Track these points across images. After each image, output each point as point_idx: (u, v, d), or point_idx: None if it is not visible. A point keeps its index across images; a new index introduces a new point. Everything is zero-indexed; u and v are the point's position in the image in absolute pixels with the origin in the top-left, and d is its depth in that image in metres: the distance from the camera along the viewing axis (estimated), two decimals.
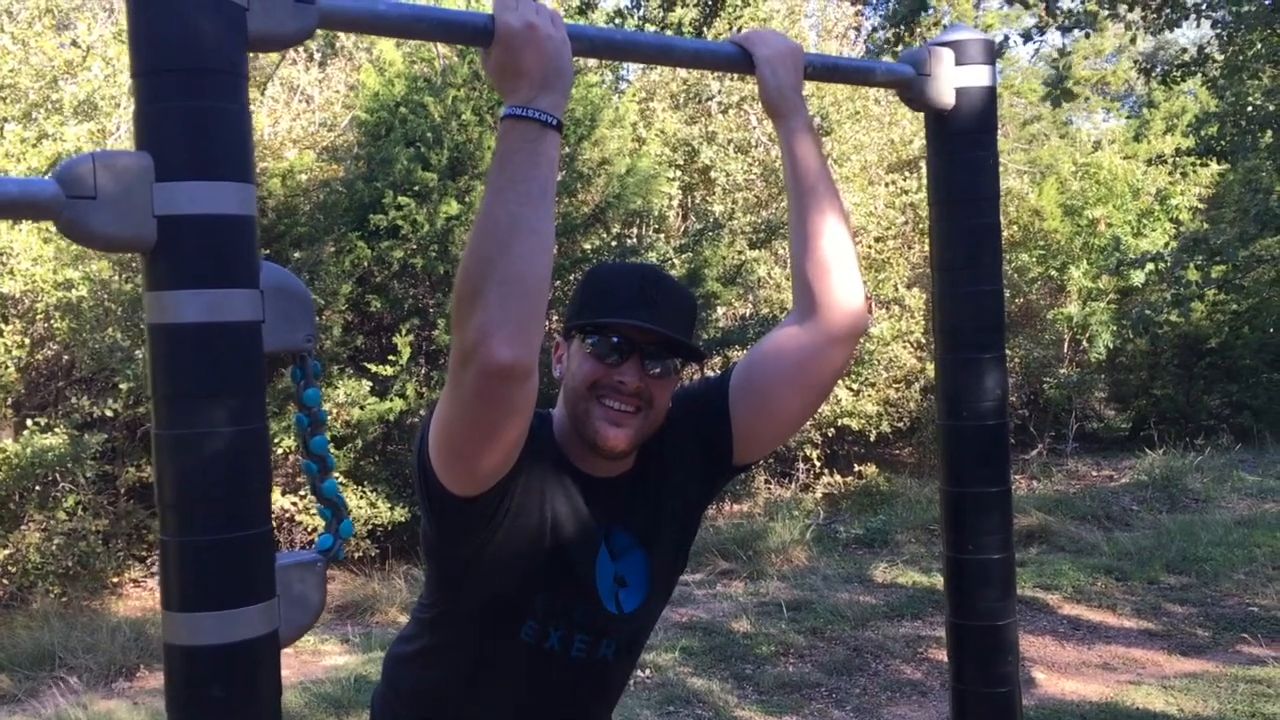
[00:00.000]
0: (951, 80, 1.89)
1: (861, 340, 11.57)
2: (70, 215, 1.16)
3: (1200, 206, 15.02)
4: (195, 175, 1.19)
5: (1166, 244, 12.38)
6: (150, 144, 1.20)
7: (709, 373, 4.75)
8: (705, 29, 7.96)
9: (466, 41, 1.54)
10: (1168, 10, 7.08)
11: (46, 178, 1.18)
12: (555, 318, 8.53)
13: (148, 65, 1.20)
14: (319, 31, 1.51)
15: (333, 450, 6.79)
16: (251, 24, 1.25)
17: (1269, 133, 7.42)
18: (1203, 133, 7.74)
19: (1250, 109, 7.49)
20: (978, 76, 1.90)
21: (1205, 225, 10.98)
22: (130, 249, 1.20)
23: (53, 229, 7.54)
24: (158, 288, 1.20)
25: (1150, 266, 10.11)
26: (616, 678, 1.90)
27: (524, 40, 1.47)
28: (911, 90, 1.89)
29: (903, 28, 6.98)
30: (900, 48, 7.10)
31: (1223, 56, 7.54)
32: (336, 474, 1.50)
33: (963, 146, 1.92)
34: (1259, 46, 7.33)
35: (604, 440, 1.73)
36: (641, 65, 14.23)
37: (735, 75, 13.12)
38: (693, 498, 1.93)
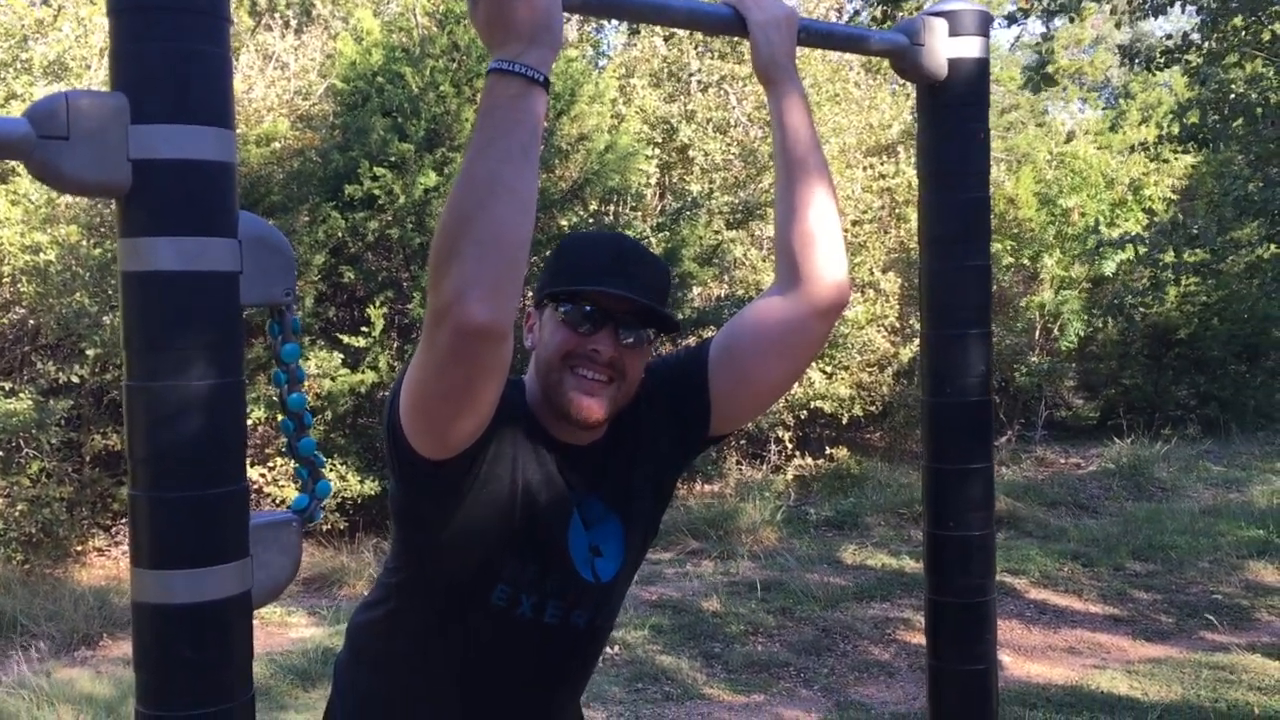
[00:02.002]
0: (945, 50, 1.86)
1: (836, 323, 11.50)
2: (42, 156, 1.12)
3: (1173, 197, 15.08)
4: (173, 118, 1.15)
5: (1141, 232, 12.42)
6: (126, 85, 1.15)
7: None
8: None
9: None
10: None
11: (18, 117, 1.13)
12: (528, 294, 8.46)
13: (126, 2, 1.15)
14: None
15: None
16: None
17: (1240, 121, 7.43)
18: (1185, 119, 7.73)
19: (1233, 96, 7.49)
20: (971, 48, 1.87)
21: (1179, 215, 11.00)
22: (103, 193, 1.15)
23: (20, 191, 7.36)
24: (132, 234, 1.15)
25: (1129, 251, 10.12)
26: (587, 649, 1.87)
27: None
28: (905, 60, 1.86)
29: (890, 6, 6.93)
30: (887, 25, 7.08)
31: (1206, 44, 7.55)
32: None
33: (955, 119, 1.89)
34: (1243, 34, 7.34)
35: (578, 410, 1.70)
36: (621, 41, 14.14)
37: (715, 54, 13.08)
38: (667, 467, 1.91)
